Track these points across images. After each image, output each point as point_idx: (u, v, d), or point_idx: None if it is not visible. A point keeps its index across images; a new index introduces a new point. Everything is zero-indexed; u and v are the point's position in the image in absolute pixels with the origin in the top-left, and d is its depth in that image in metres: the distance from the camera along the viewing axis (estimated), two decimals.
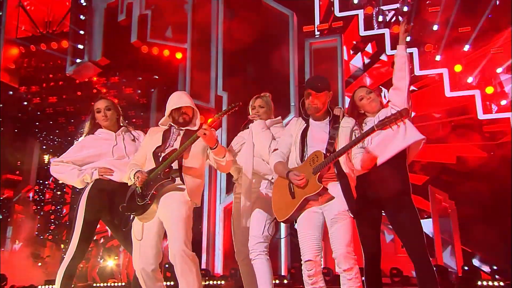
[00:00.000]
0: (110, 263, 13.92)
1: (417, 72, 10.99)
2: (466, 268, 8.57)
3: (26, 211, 15.46)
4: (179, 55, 12.46)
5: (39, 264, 12.62)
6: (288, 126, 3.61)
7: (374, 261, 3.54)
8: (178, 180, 3.34)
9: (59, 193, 17.48)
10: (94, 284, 10.64)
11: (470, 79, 11.07)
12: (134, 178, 3.27)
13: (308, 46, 11.46)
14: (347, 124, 3.32)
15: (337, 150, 3.15)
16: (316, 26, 11.61)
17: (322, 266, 3.15)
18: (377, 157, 3.18)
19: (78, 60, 12.86)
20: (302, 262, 3.17)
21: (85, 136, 4.06)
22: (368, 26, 11.80)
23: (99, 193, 3.76)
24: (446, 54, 11.19)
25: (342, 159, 3.15)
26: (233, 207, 4.00)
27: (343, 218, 3.07)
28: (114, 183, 3.76)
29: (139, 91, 14.54)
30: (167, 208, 3.27)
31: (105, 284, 10.42)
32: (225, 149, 3.61)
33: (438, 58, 11.22)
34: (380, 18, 11.78)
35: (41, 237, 15.23)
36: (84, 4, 13.03)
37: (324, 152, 3.15)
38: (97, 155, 3.88)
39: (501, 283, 7.63)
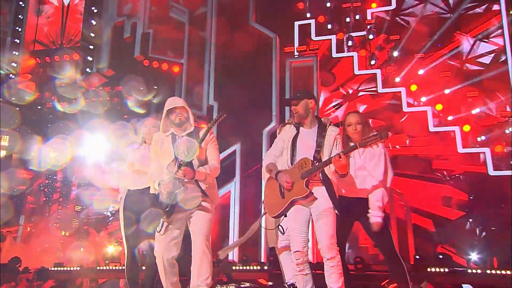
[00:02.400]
0: (110, 248, 14.00)
1: (380, 90, 11.47)
2: (417, 257, 8.90)
3: (37, 202, 15.44)
4: (176, 69, 12.65)
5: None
6: (282, 132, 3.59)
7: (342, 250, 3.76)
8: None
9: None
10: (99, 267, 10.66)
11: (423, 98, 11.58)
12: (160, 188, 3.28)
13: (288, 64, 11.74)
14: (332, 132, 3.38)
15: (323, 157, 3.23)
16: (295, 47, 11.91)
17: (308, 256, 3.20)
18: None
19: (88, 70, 12.92)
20: (292, 253, 3.23)
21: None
22: (340, 49, 12.20)
23: None
24: (404, 76, 11.68)
25: (326, 167, 3.22)
26: None
27: (328, 214, 3.17)
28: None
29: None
30: (195, 225, 3.32)
31: (109, 268, 10.46)
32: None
33: (397, 79, 11.72)
34: (350, 43, 12.17)
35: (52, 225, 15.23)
36: (94, 23, 13.13)
37: (312, 160, 3.21)
38: None
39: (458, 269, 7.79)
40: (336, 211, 3.21)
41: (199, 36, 12.59)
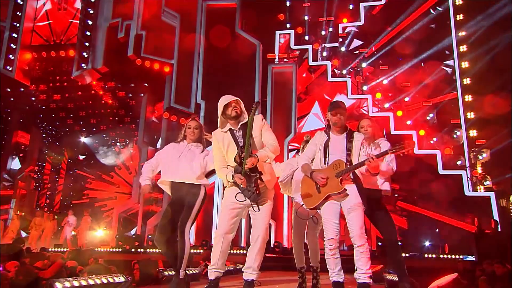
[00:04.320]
0: (99, 232, 13.79)
1: (350, 96, 11.87)
2: (379, 243, 9.33)
3: (27, 187, 14.95)
4: (167, 69, 12.53)
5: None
6: (314, 137, 3.67)
7: None
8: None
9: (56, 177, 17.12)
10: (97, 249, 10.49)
11: (386, 105, 12.08)
12: (235, 180, 3.25)
13: (270, 69, 11.89)
14: (358, 138, 3.49)
15: (352, 159, 3.38)
16: (277, 54, 12.10)
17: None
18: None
19: (83, 66, 12.59)
20: (325, 240, 3.34)
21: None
22: (315, 58, 12.51)
23: None
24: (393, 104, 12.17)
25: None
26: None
27: (358, 208, 3.30)
28: None
29: (130, 95, 14.47)
30: (258, 213, 3.27)
31: (99, 249, 10.34)
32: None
33: (386, 105, 12.17)
34: (325, 53, 12.49)
35: (38, 209, 14.83)
36: (90, 23, 12.81)
37: (345, 162, 3.35)
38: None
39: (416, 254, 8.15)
40: (363, 206, 3.37)
41: (189, 39, 12.49)
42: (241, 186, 3.27)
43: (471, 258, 8.48)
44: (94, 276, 3.11)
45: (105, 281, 3.19)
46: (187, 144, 3.89)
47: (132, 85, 13.79)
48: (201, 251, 9.12)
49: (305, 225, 4.13)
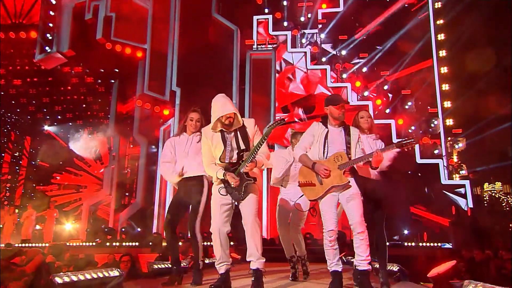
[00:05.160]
0: (68, 226, 13.54)
1: (329, 84, 12.10)
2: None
3: None
4: (139, 54, 12.28)
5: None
6: (311, 128, 3.75)
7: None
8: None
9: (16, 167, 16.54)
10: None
11: (366, 93, 12.42)
12: (226, 178, 3.38)
13: (248, 56, 11.87)
14: (355, 133, 3.67)
15: (351, 153, 3.55)
16: (255, 41, 12.11)
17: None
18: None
19: (47, 49, 12.13)
20: (324, 231, 3.48)
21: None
22: (294, 44, 12.63)
23: None
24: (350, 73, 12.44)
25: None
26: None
27: (357, 196, 3.46)
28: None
29: (99, 81, 14.14)
30: (247, 205, 3.38)
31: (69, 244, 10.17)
32: None
33: (344, 76, 12.44)
34: (304, 40, 12.63)
35: None
36: (54, 2, 12.32)
37: (346, 154, 3.50)
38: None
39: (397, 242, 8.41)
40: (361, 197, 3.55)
41: (163, 23, 12.27)
42: (231, 185, 3.41)
43: (448, 245, 8.98)
44: (90, 271, 3.12)
45: (101, 275, 3.21)
46: (188, 137, 3.96)
47: (102, 70, 13.47)
48: (180, 243, 9.13)
49: (289, 216, 4.32)
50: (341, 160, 3.52)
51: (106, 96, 13.67)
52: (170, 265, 4.42)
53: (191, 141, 3.97)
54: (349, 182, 3.49)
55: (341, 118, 3.65)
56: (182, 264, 4.44)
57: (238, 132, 3.49)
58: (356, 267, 3.51)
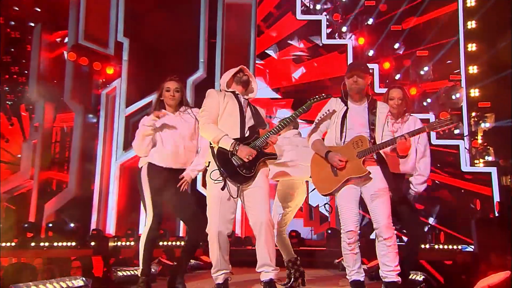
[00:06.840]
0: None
1: (324, 41, 12.25)
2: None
3: None
4: None
5: None
6: (328, 106, 3.80)
7: None
8: None
9: None
10: None
11: (397, 76, 12.68)
12: (237, 150, 3.43)
13: (221, 1, 11.70)
14: (383, 110, 3.75)
15: (376, 136, 3.65)
16: None
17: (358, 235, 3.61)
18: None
19: None
20: (342, 232, 3.62)
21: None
22: None
23: None
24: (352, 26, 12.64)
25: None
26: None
27: (383, 194, 3.58)
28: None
29: (13, 23, 13.63)
30: (258, 195, 3.54)
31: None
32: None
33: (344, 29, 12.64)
34: None
35: None
36: None
37: (368, 138, 3.58)
38: None
39: None
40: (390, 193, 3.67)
41: None
42: (242, 160, 3.48)
43: (469, 248, 9.43)
44: (53, 280, 3.21)
45: (64, 285, 3.29)
46: (177, 116, 4.03)
47: (16, 8, 12.99)
48: (132, 243, 9.24)
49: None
50: (361, 146, 3.61)
51: (24, 45, 13.27)
52: (135, 272, 4.54)
53: (184, 120, 4.11)
54: (369, 173, 3.60)
55: (355, 90, 3.72)
56: (132, 273, 4.65)
57: (251, 105, 3.62)
58: (383, 279, 3.68)
